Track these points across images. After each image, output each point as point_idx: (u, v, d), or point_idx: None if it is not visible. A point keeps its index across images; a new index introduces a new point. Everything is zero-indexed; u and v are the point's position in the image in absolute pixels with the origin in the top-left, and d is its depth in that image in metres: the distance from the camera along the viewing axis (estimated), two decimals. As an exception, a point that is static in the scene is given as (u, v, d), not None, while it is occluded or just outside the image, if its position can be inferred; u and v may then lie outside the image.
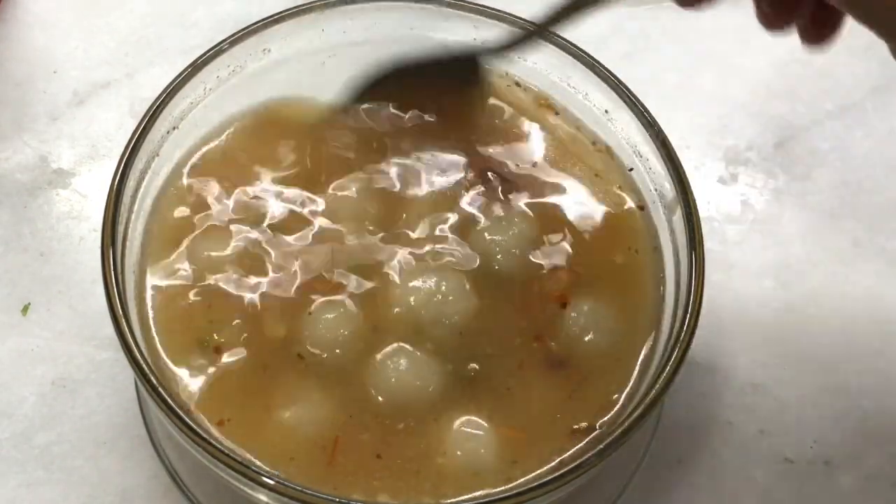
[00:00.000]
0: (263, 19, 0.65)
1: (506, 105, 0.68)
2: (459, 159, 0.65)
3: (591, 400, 0.59)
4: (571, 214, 0.64)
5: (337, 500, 0.52)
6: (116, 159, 0.60)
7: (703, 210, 0.72)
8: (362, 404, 0.58)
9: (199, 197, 0.64)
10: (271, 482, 0.53)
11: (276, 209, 0.63)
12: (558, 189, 0.65)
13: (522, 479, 0.56)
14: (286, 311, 0.60)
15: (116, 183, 0.59)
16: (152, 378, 0.55)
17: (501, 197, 0.64)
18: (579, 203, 0.65)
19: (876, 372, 0.72)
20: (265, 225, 0.63)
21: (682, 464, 0.68)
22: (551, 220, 0.64)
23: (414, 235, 0.63)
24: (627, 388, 0.59)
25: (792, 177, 0.79)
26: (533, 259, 0.62)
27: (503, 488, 0.56)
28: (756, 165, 0.79)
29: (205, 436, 0.53)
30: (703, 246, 0.59)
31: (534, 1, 0.84)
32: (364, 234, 0.62)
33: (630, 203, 0.65)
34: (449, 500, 0.56)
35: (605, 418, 0.59)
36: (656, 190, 0.63)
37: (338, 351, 0.59)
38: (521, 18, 0.66)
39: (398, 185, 0.64)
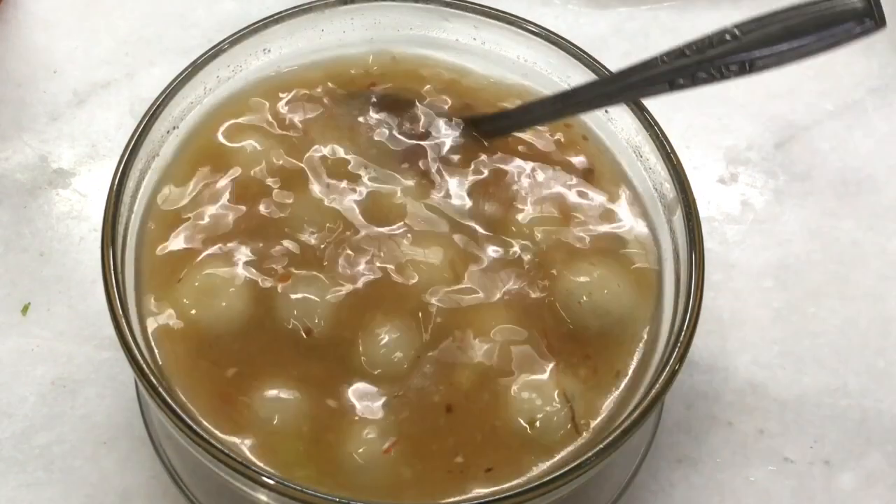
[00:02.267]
0: (263, 19, 0.65)
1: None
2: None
3: (591, 400, 0.59)
4: (568, 216, 0.64)
5: (337, 499, 0.53)
6: (116, 159, 0.60)
7: (703, 210, 0.72)
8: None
9: (199, 196, 0.63)
10: (271, 482, 0.53)
11: (274, 210, 0.63)
12: (553, 191, 0.65)
13: (523, 480, 0.56)
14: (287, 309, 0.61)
15: (116, 183, 0.59)
16: (152, 378, 0.55)
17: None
18: (578, 204, 0.65)
19: (876, 372, 0.72)
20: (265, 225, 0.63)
21: (682, 464, 0.68)
22: (548, 220, 0.64)
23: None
24: (627, 388, 0.59)
25: (792, 177, 0.79)
26: (530, 257, 0.63)
27: (504, 488, 0.56)
28: (756, 165, 0.79)
29: (205, 436, 0.53)
30: (703, 246, 0.59)
31: (533, 1, 0.85)
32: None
33: (630, 203, 0.65)
34: (449, 500, 0.56)
35: (604, 419, 0.59)
36: (656, 190, 0.63)
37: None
38: (521, 18, 0.66)
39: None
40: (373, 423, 0.57)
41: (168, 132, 0.63)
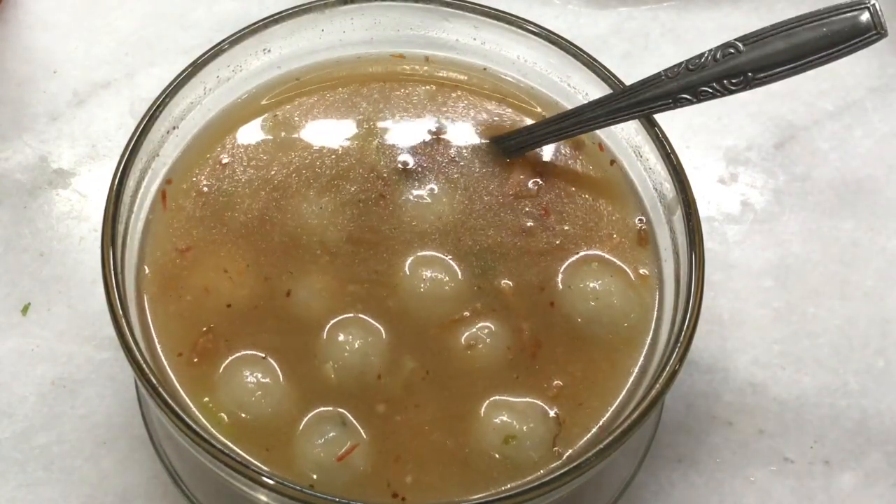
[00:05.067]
0: (263, 19, 0.65)
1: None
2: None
3: (591, 401, 0.59)
4: (570, 215, 0.64)
5: (337, 499, 0.53)
6: (116, 159, 0.60)
7: (703, 210, 0.72)
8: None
9: (199, 196, 0.64)
10: (271, 482, 0.53)
11: (274, 212, 0.63)
12: (553, 190, 0.65)
13: (524, 479, 0.57)
14: (285, 310, 0.61)
15: (116, 183, 0.59)
16: (152, 378, 0.55)
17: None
18: (578, 205, 0.65)
19: (876, 372, 0.72)
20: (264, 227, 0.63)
21: (682, 464, 0.68)
22: (549, 220, 0.64)
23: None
24: (627, 388, 0.59)
25: (792, 177, 0.79)
26: (529, 257, 0.63)
27: (504, 488, 0.56)
28: (756, 165, 0.79)
29: (205, 436, 0.53)
30: (703, 246, 0.59)
31: (533, 1, 0.85)
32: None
33: (630, 202, 0.65)
34: (449, 500, 0.56)
35: (605, 418, 0.59)
36: (656, 190, 0.63)
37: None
38: (521, 18, 0.66)
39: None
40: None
41: (168, 132, 0.63)
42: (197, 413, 0.58)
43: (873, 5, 0.55)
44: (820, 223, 0.77)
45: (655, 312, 0.62)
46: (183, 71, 0.63)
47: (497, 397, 0.59)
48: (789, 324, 0.73)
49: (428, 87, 0.68)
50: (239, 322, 0.60)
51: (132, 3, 0.85)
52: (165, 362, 0.59)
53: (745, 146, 0.80)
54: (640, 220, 0.64)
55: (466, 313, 0.61)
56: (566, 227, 0.64)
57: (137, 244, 0.61)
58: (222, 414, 0.58)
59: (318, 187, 0.64)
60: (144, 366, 0.55)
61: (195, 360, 0.59)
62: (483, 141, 0.66)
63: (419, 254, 0.62)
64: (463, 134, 0.66)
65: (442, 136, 0.66)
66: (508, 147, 0.66)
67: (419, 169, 0.65)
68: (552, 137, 0.65)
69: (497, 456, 0.57)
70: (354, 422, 0.58)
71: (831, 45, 0.56)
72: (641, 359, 0.60)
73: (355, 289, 0.61)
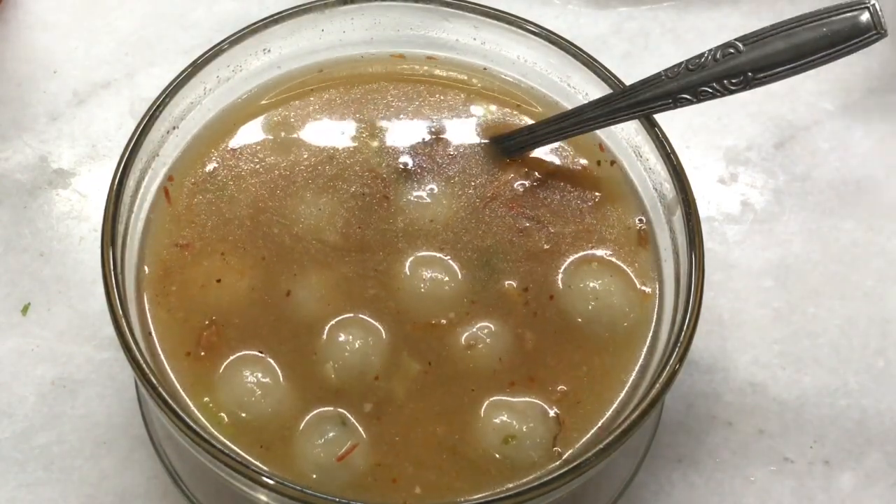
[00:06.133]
0: (263, 19, 0.65)
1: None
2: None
3: (591, 400, 0.59)
4: (569, 215, 0.64)
5: (337, 499, 0.53)
6: (116, 159, 0.60)
7: (703, 210, 0.72)
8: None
9: (199, 196, 0.64)
10: (271, 482, 0.53)
11: (274, 212, 0.63)
12: (553, 190, 0.65)
13: (524, 479, 0.57)
14: (286, 309, 0.61)
15: (116, 183, 0.59)
16: (152, 378, 0.55)
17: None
18: (578, 205, 0.65)
19: (876, 372, 0.72)
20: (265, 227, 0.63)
21: (682, 464, 0.68)
22: (549, 220, 0.64)
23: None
24: (627, 388, 0.59)
25: (792, 177, 0.79)
26: (529, 259, 0.63)
27: (504, 488, 0.56)
28: (756, 165, 0.79)
29: (205, 436, 0.53)
30: (703, 246, 0.59)
31: (533, 1, 0.85)
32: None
33: (630, 202, 0.65)
34: (450, 499, 0.56)
35: (605, 418, 0.59)
36: (656, 190, 0.63)
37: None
38: (521, 18, 0.66)
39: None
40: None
41: (168, 132, 0.63)
42: (197, 413, 0.58)
43: (873, 5, 0.55)
44: (820, 223, 0.77)
45: (655, 312, 0.62)
46: (183, 71, 0.63)
47: (497, 397, 0.59)
48: (789, 324, 0.73)
49: (428, 87, 0.68)
50: (239, 322, 0.60)
51: (132, 3, 0.85)
52: (165, 362, 0.59)
53: (745, 146, 0.80)
54: (640, 220, 0.64)
55: (466, 313, 0.61)
56: (566, 227, 0.64)
57: (137, 244, 0.61)
58: (222, 414, 0.58)
59: (318, 187, 0.64)
60: (144, 366, 0.55)
61: (202, 353, 0.59)
62: (483, 141, 0.66)
63: (419, 254, 0.62)
64: (463, 134, 0.67)
65: (442, 137, 0.66)
66: (508, 147, 0.66)
67: (419, 169, 0.65)
68: (552, 137, 0.65)
69: (497, 456, 0.57)
70: (354, 422, 0.58)
71: (831, 45, 0.56)
72: (641, 359, 0.60)
73: (355, 289, 0.61)
